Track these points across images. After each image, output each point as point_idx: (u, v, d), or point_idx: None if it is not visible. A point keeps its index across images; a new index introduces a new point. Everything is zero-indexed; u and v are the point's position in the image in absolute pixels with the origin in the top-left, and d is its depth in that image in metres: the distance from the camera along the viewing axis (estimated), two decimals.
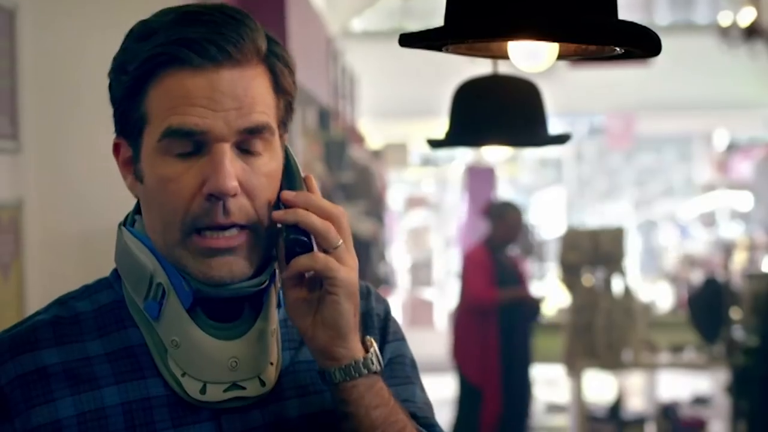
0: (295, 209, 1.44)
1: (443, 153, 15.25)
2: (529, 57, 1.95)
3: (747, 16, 9.78)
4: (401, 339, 1.67)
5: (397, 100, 12.98)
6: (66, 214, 4.01)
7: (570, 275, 7.55)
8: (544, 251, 12.77)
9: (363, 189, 9.07)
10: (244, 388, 1.47)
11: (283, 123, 1.48)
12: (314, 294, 1.44)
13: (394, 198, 12.79)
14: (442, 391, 11.24)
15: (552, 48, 1.90)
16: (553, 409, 9.48)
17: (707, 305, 7.47)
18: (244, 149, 1.42)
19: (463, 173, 13.62)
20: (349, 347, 1.45)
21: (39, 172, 3.96)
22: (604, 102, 13.50)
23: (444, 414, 9.78)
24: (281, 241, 1.44)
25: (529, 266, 9.36)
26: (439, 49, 1.95)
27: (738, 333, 6.78)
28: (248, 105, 1.41)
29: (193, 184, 1.41)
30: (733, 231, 13.54)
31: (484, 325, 7.18)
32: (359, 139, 9.78)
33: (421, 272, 13.49)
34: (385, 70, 12.78)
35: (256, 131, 1.42)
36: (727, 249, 7.89)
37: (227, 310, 1.47)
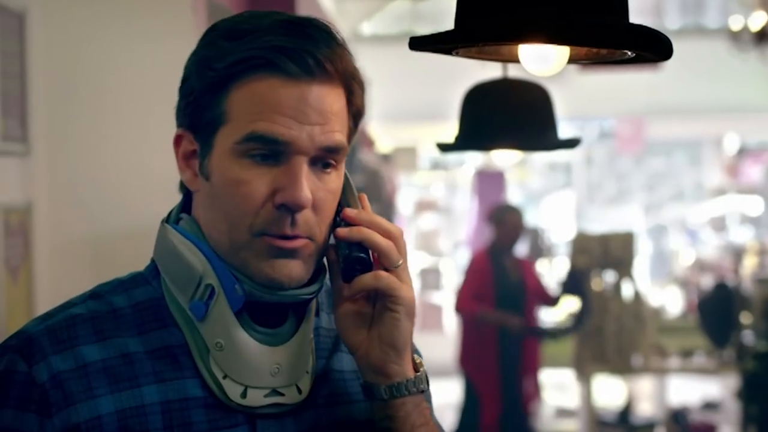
0: (360, 228, 1.46)
1: (453, 157, 15.24)
2: (540, 60, 1.94)
3: (758, 21, 9.76)
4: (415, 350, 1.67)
5: (407, 104, 12.97)
6: (75, 217, 4.01)
7: (581, 280, 7.54)
8: (554, 255, 12.76)
9: (373, 193, 9.07)
10: (282, 395, 1.47)
11: (350, 141, 1.48)
12: (368, 310, 1.46)
13: (404, 202, 12.79)
14: (450, 395, 11.25)
15: (562, 52, 1.89)
16: (563, 413, 9.46)
17: (717, 310, 7.45)
18: (317, 164, 1.43)
19: (473, 177, 13.61)
20: (402, 365, 1.46)
21: (48, 175, 3.97)
22: (614, 106, 13.48)
23: (449, 418, 9.78)
24: (340, 257, 1.46)
25: (541, 268, 9.32)
26: (449, 52, 1.95)
27: (748, 338, 6.76)
28: (331, 122, 1.42)
29: (265, 190, 1.41)
30: (743, 235, 13.52)
31: (482, 329, 7.18)
32: (369, 142, 9.78)
33: (431, 276, 13.48)
34: (394, 73, 12.78)
35: (333, 150, 1.43)
36: (737, 253, 7.87)
37: (272, 315, 1.47)
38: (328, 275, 1.50)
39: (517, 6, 1.66)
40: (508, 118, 2.98)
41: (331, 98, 1.42)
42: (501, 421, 7.21)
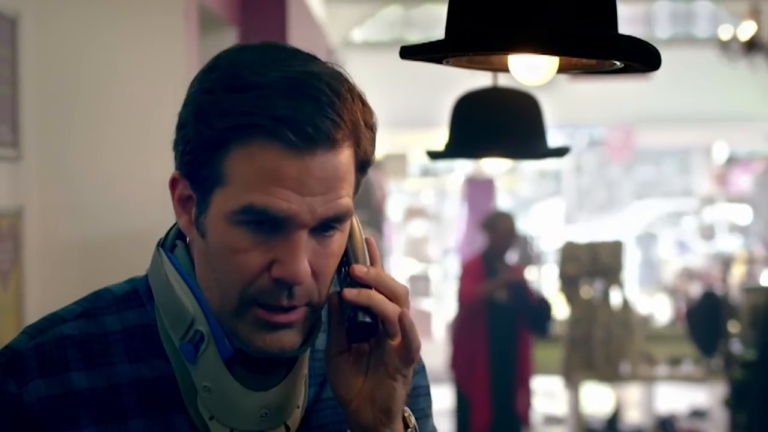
0: (369, 293, 1.39)
1: (443, 164, 15.26)
2: (530, 70, 1.96)
3: (747, 30, 9.80)
4: (422, 368, 1.63)
5: (397, 111, 12.99)
6: (66, 222, 4.02)
7: (568, 287, 7.56)
8: (543, 262, 12.78)
9: (363, 199, 9.08)
10: None
11: (356, 191, 1.41)
12: (363, 362, 1.42)
13: (394, 208, 12.79)
14: (440, 402, 11.25)
15: (552, 61, 1.91)
16: (551, 420, 9.47)
17: (705, 318, 7.46)
18: (317, 230, 1.36)
19: (463, 184, 13.63)
20: (394, 427, 1.42)
21: (39, 180, 3.97)
22: (604, 114, 13.52)
23: (442, 424, 9.77)
24: (345, 316, 1.40)
25: (531, 274, 9.33)
26: (439, 61, 1.96)
27: (736, 346, 6.78)
28: (334, 189, 1.35)
29: (261, 261, 1.35)
30: (731, 244, 13.55)
31: (473, 335, 7.20)
32: None
33: (420, 283, 13.49)
34: (385, 80, 12.79)
35: (336, 220, 1.36)
36: (725, 262, 7.89)
37: (263, 360, 1.42)
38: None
39: (508, 16, 1.68)
40: (498, 126, 2.99)
41: (335, 163, 1.35)
42: (492, 428, 7.23)
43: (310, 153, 1.33)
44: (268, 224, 1.34)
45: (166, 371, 1.43)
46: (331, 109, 1.33)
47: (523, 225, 11.94)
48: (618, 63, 1.89)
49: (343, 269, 1.42)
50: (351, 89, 1.38)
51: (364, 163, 1.41)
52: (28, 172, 3.90)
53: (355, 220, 1.44)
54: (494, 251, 7.37)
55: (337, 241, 1.39)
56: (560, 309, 7.59)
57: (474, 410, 7.19)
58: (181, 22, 4.15)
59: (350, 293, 1.38)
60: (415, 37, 13.04)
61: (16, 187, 3.82)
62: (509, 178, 16.18)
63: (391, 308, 1.39)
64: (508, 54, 1.90)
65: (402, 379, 1.41)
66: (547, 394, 9.94)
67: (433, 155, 3.21)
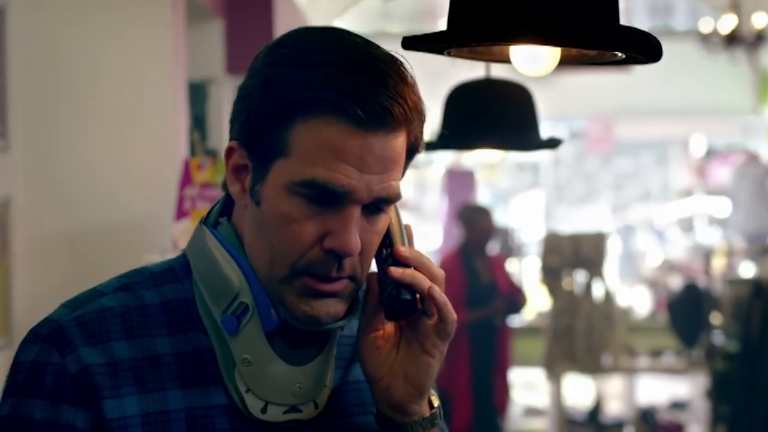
0: (413, 272, 1.44)
1: (423, 156, 15.28)
2: (531, 61, 1.96)
3: (727, 23, 9.84)
4: None
5: None
6: (54, 212, 4.01)
7: (551, 279, 7.58)
8: (524, 254, 12.81)
9: None
10: (300, 411, 1.48)
11: (403, 175, 1.47)
12: (395, 341, 1.48)
13: None
14: None
15: (554, 53, 1.91)
16: (532, 412, 9.50)
17: (687, 310, 7.50)
18: (368, 208, 1.42)
19: (443, 176, 13.64)
20: (423, 404, 1.48)
21: (27, 170, 3.96)
22: (584, 107, 13.55)
23: None
24: (384, 292, 1.45)
25: (511, 267, 9.33)
26: (441, 52, 1.96)
27: (718, 338, 6.81)
28: (390, 170, 1.41)
29: (315, 232, 1.40)
30: (711, 236, 13.61)
31: (453, 336, 7.17)
32: None
33: None
34: None
35: (387, 201, 1.43)
36: (706, 254, 7.92)
37: (300, 335, 1.47)
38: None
39: (510, 7, 1.68)
40: (491, 118, 3.00)
41: (394, 145, 1.40)
42: (474, 424, 7.23)
43: (374, 131, 1.38)
44: (326, 198, 1.39)
45: (205, 344, 1.47)
46: (396, 91, 1.39)
47: (502, 217, 11.96)
48: (620, 54, 1.90)
49: (384, 250, 1.48)
50: (411, 75, 1.44)
51: (413, 149, 1.46)
52: (15, 162, 3.89)
53: (396, 207, 1.50)
54: (472, 247, 7.36)
55: (383, 221, 1.45)
56: (542, 300, 7.60)
57: (456, 407, 7.18)
58: (169, 14, 4.14)
59: (396, 271, 1.44)
60: (397, 29, 13.02)
61: (4, 177, 3.81)
62: (488, 171, 16.20)
63: (437, 292, 1.46)
64: (510, 45, 1.90)
65: (438, 355, 1.48)
66: (528, 385, 9.96)
67: (426, 146, 3.20)
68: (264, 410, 1.45)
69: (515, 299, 7.36)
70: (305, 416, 1.48)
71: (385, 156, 1.39)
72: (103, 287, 1.49)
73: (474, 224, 7.30)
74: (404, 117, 1.40)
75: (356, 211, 1.39)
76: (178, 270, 1.52)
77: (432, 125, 3.13)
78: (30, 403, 1.42)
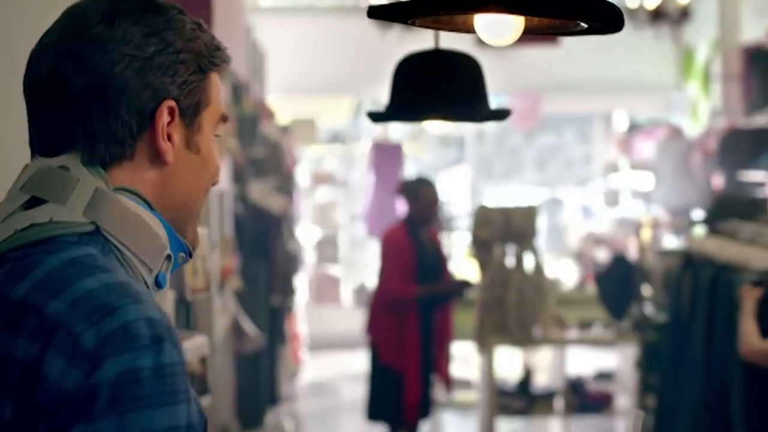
0: None
1: (351, 130, 15.27)
2: (495, 31, 1.98)
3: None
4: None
5: (305, 77, 12.96)
6: None
7: (481, 251, 7.60)
8: (454, 228, 12.86)
9: (273, 165, 9.05)
10: None
11: None
12: None
13: (302, 174, 12.77)
14: (351, 366, 11.30)
15: (518, 22, 1.93)
16: (463, 385, 9.57)
17: (615, 282, 7.58)
18: None
19: (370, 150, 13.65)
20: None
21: None
22: (510, 82, 13.61)
23: (354, 390, 9.82)
24: None
25: (445, 240, 9.37)
26: (405, 22, 1.98)
27: (648, 309, 6.91)
28: None
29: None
30: (635, 210, 13.78)
31: (402, 311, 7.18)
32: (269, 114, 9.75)
33: (328, 248, 13.51)
34: (292, 46, 12.75)
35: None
36: (634, 227, 8.01)
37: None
38: None
39: None
40: (441, 88, 3.01)
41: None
42: (422, 399, 7.28)
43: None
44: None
45: None
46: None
47: None
48: (583, 24, 1.92)
49: None
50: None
51: None
52: None
53: None
54: (418, 220, 7.37)
55: None
56: (473, 273, 7.64)
57: (407, 384, 7.20)
58: None
59: None
60: (323, 3, 13.00)
61: None
62: (414, 145, 16.24)
63: None
64: (475, 14, 1.92)
65: None
66: (459, 358, 10.03)
67: (374, 117, 3.21)
68: None
69: (465, 281, 7.42)
70: None
71: None
72: (121, 298, 1.44)
73: (419, 197, 7.29)
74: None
75: None
76: (101, 257, 1.51)
77: (383, 96, 3.14)
78: (183, 407, 1.41)
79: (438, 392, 7.90)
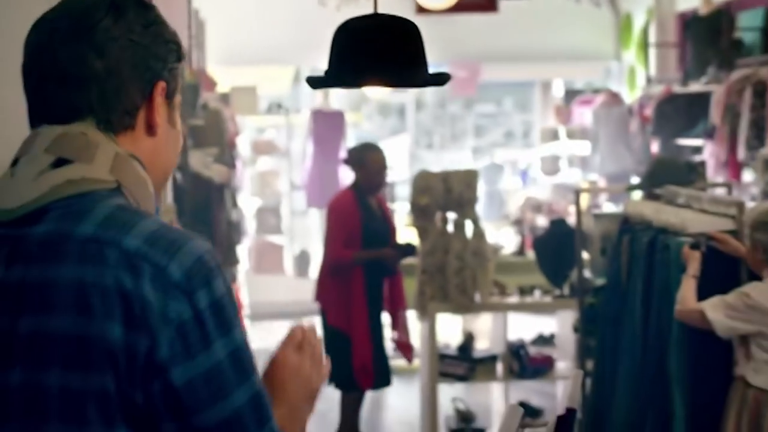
0: None
1: (291, 99, 15.25)
2: None
3: None
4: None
5: (245, 47, 12.92)
6: None
7: (421, 219, 7.62)
8: (394, 195, 12.90)
9: (215, 134, 9.03)
10: None
11: None
12: None
13: (243, 143, 12.74)
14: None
15: None
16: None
17: (554, 247, 7.64)
18: None
19: (310, 117, 13.64)
20: None
21: None
22: (449, 51, 13.64)
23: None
24: None
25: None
26: None
27: (586, 273, 6.98)
28: None
29: None
30: (574, 176, 13.89)
31: (348, 275, 7.22)
32: (211, 84, 9.73)
33: (269, 217, 13.50)
34: (231, 16, 12.70)
35: None
36: (571, 192, 8.08)
37: None
38: None
39: None
40: (379, 53, 3.03)
41: None
42: (373, 362, 7.33)
43: None
44: None
45: None
46: None
47: None
48: None
49: None
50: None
51: None
52: None
53: None
54: (366, 187, 7.38)
55: None
56: (414, 240, 7.67)
57: (355, 347, 7.25)
58: None
59: None
60: None
61: None
62: (355, 114, 16.25)
63: None
64: None
65: None
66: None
67: (314, 83, 3.23)
68: None
69: (409, 244, 7.46)
70: None
71: None
72: (168, 227, 1.77)
73: (366, 164, 7.30)
74: None
75: None
76: (127, 204, 1.81)
77: (323, 65, 3.16)
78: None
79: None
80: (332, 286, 7.31)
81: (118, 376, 1.62)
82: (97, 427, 1.62)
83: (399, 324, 7.56)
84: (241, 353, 1.72)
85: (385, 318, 7.49)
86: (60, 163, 1.75)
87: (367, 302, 7.26)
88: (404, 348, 7.62)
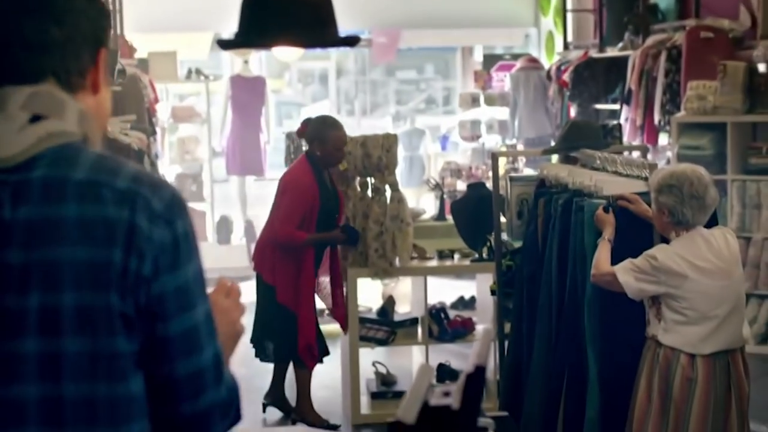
0: None
1: (211, 65, 15.16)
2: None
3: None
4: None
5: (162, 14, 12.81)
6: None
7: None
8: None
9: (133, 100, 8.98)
10: None
11: None
12: None
13: (164, 110, 12.65)
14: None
15: None
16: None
17: (471, 211, 7.65)
18: None
19: (229, 83, 13.57)
20: None
21: None
22: (369, 18, 13.64)
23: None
24: None
25: None
26: None
27: (503, 236, 7.02)
28: None
29: None
30: (492, 141, 13.96)
31: (300, 255, 7.21)
32: (129, 50, 9.66)
33: (190, 184, 13.43)
34: None
35: None
36: (493, 156, 8.11)
37: None
38: None
39: None
40: (289, 13, 3.04)
41: None
42: (317, 339, 7.38)
43: None
44: None
45: None
46: None
47: (292, 127, 11.98)
48: None
49: None
50: None
51: None
52: None
53: None
54: (323, 162, 7.34)
55: None
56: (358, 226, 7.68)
57: (301, 325, 7.27)
58: None
59: None
60: None
61: None
62: (276, 81, 16.20)
63: None
64: None
65: None
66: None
67: (224, 44, 3.24)
68: None
69: (356, 230, 7.48)
70: None
71: None
72: (144, 170, 2.08)
73: (329, 140, 7.22)
74: None
75: None
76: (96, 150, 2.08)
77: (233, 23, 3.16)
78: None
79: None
80: (281, 264, 7.26)
81: (117, 292, 1.92)
82: (105, 339, 1.92)
83: (338, 296, 7.58)
84: (202, 275, 2.03)
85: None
86: (35, 118, 1.98)
87: (314, 280, 7.33)
88: (342, 319, 7.67)
